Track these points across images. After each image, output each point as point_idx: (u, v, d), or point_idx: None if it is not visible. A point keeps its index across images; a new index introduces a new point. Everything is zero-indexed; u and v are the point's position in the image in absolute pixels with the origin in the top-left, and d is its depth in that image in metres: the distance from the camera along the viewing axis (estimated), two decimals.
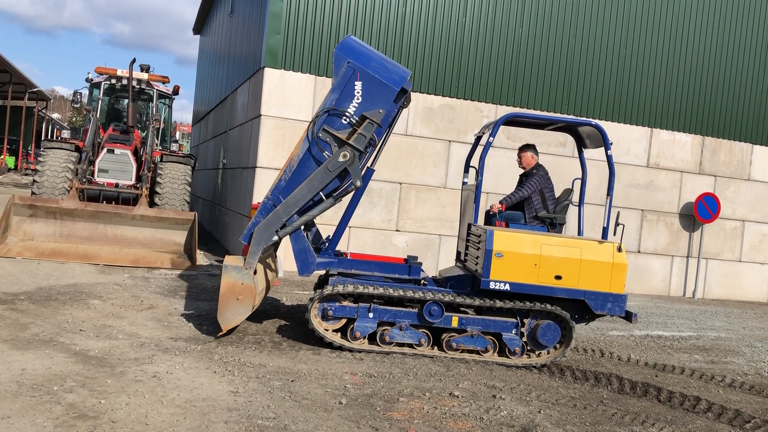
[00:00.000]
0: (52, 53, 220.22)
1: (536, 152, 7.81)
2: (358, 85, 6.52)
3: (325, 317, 6.59)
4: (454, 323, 6.64)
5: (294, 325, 7.48)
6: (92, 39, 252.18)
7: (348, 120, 6.58)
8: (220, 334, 6.54)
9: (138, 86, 14.01)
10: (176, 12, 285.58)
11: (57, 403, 4.36)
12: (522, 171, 7.90)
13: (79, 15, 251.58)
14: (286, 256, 10.64)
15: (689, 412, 5.74)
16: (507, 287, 6.55)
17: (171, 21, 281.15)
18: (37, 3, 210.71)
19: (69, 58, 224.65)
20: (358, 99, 6.55)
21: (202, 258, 11.96)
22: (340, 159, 6.57)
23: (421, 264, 7.31)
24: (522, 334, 6.73)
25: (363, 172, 6.83)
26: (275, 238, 6.66)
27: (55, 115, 73.87)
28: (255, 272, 6.57)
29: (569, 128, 7.75)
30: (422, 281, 7.09)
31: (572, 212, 8.11)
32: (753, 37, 14.34)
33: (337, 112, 6.57)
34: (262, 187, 11.61)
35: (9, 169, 42.03)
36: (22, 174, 40.90)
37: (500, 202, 7.45)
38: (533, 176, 7.54)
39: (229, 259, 6.74)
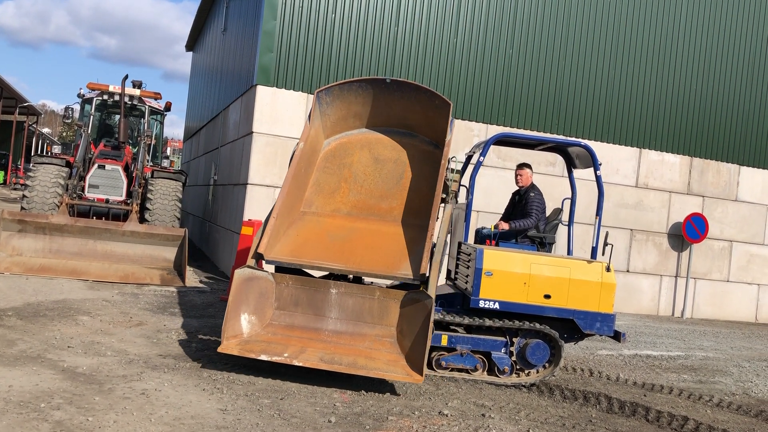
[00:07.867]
0: (37, 66, 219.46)
1: (532, 171, 7.90)
2: None
3: None
4: (444, 342, 6.65)
5: None
6: (78, 52, 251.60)
7: None
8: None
9: (130, 102, 14.02)
10: (163, 26, 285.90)
11: (44, 421, 4.34)
12: (517, 189, 7.94)
13: (65, 28, 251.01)
14: None
15: None
16: (496, 306, 6.58)
17: (158, 35, 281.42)
18: (23, 15, 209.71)
19: (55, 72, 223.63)
20: None
21: (191, 275, 11.92)
22: None
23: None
24: (511, 353, 6.74)
25: None
26: None
27: (46, 130, 73.68)
28: None
29: (559, 148, 7.84)
30: None
31: (562, 231, 8.17)
32: (739, 59, 14.56)
33: None
34: (253, 204, 11.61)
35: None
36: (11, 189, 40.67)
37: (507, 222, 7.47)
38: (534, 201, 7.53)
39: None
